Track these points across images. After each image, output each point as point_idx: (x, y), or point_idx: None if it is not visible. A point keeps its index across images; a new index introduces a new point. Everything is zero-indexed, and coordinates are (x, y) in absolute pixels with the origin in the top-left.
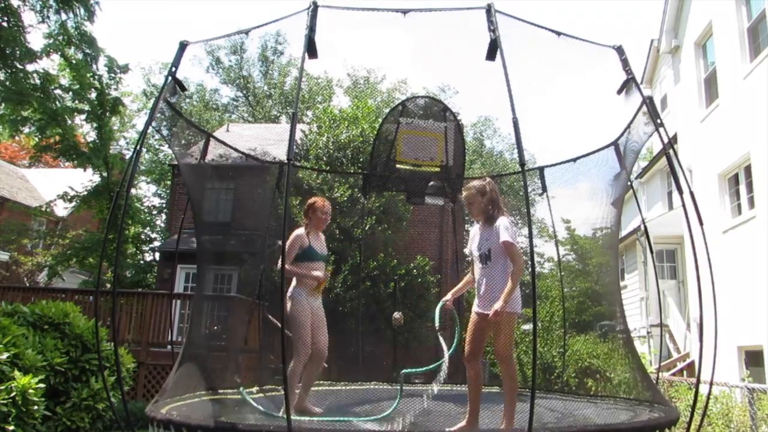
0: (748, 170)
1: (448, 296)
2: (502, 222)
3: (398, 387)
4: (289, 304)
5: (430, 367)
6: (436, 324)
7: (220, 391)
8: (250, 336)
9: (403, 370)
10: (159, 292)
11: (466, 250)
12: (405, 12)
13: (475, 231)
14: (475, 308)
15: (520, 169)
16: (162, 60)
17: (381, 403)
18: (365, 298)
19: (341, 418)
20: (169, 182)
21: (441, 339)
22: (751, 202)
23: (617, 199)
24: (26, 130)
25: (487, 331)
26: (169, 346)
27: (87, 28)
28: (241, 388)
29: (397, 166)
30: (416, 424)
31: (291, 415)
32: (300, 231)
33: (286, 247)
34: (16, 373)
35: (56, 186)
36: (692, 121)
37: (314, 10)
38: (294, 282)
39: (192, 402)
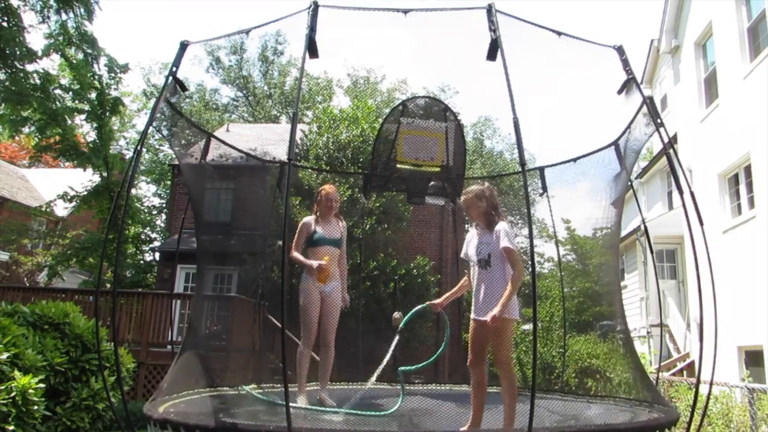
0: (748, 170)
1: (439, 300)
2: (502, 227)
3: (399, 387)
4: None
5: (426, 363)
6: (401, 323)
7: (219, 388)
8: (250, 336)
9: (400, 368)
10: (159, 292)
11: (462, 254)
12: (406, 12)
13: (472, 235)
14: (473, 315)
15: (520, 169)
16: (162, 60)
17: (383, 399)
18: (365, 298)
19: (348, 410)
20: (169, 182)
21: (395, 340)
22: (751, 202)
23: (617, 199)
24: (26, 130)
25: (487, 337)
26: (169, 346)
27: (87, 28)
28: (242, 385)
29: (398, 166)
30: (418, 423)
31: (291, 412)
32: (307, 219)
33: (295, 235)
34: (16, 373)
35: (56, 186)
36: (692, 121)
37: (315, 9)
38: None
39: (190, 399)
